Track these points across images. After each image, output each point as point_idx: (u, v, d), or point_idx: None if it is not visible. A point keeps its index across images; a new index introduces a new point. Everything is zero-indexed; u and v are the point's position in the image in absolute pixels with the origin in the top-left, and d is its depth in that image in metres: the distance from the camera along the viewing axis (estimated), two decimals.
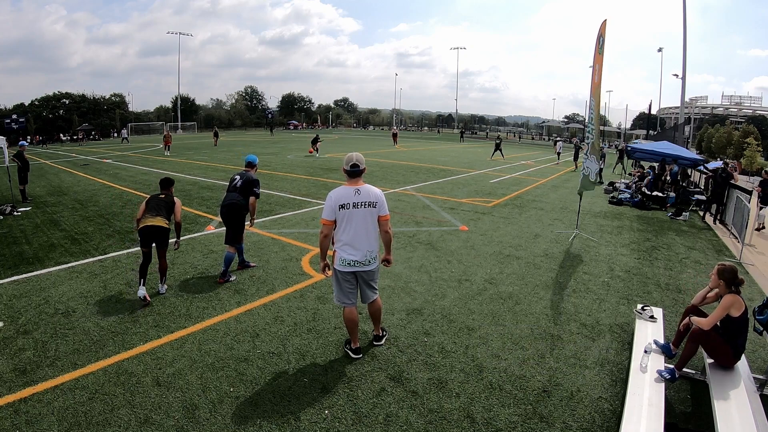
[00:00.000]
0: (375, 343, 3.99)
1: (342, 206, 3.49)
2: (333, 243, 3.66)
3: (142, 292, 4.69)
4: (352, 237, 3.52)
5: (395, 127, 49.44)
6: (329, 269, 3.65)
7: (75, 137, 41.67)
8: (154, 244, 4.92)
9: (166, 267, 5.07)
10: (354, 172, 3.55)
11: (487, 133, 62.98)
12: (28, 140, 22.98)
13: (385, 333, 4.09)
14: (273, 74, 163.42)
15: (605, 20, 7.83)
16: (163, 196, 5.20)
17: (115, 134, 49.29)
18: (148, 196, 5.24)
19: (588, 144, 8.35)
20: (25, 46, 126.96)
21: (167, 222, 5.02)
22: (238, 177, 5.71)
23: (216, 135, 31.66)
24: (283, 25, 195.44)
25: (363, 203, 3.52)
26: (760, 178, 10.85)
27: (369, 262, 3.60)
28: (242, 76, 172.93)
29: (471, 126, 74.86)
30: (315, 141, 23.12)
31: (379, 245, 3.68)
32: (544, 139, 58.53)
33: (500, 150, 24.19)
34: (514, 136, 60.55)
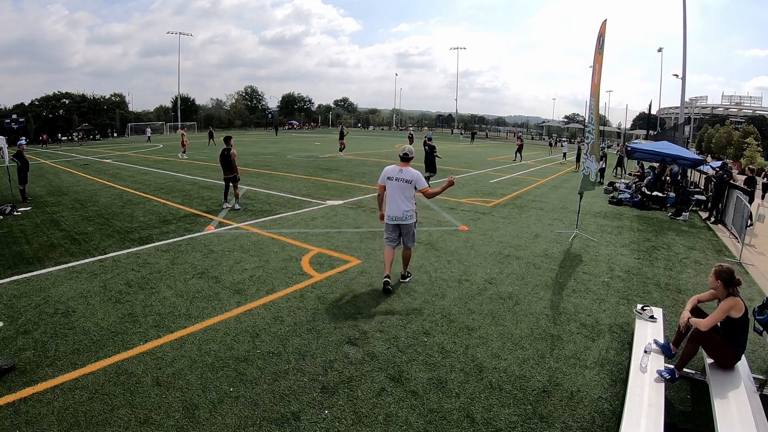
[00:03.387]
0: (401, 280, 5.39)
1: (389, 178, 5.12)
2: (382, 201, 5.31)
3: (225, 205, 9.44)
4: (394, 200, 5.09)
5: (410, 128, 49.79)
6: (383, 219, 5.24)
7: (75, 137, 41.56)
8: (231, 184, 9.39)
9: (238, 195, 9.56)
10: (403, 158, 5.18)
11: (486, 133, 62.95)
12: (26, 139, 22.80)
13: (410, 274, 5.52)
14: (273, 74, 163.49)
15: (605, 20, 7.85)
16: (225, 153, 9.26)
17: (115, 134, 49.30)
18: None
19: (588, 144, 8.36)
20: (26, 46, 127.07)
21: (232, 172, 9.32)
22: (427, 145, 12.69)
23: (211, 135, 31.59)
24: (283, 26, 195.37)
25: (402, 179, 5.08)
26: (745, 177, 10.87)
27: (406, 218, 5.10)
28: (243, 76, 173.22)
29: (471, 126, 74.88)
30: (342, 136, 24.43)
31: (414, 208, 5.15)
32: (543, 139, 58.49)
33: (520, 153, 24.41)
34: (514, 136, 60.42)
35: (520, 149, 24.65)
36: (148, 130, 41.30)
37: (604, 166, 17.66)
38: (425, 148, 12.60)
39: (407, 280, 5.43)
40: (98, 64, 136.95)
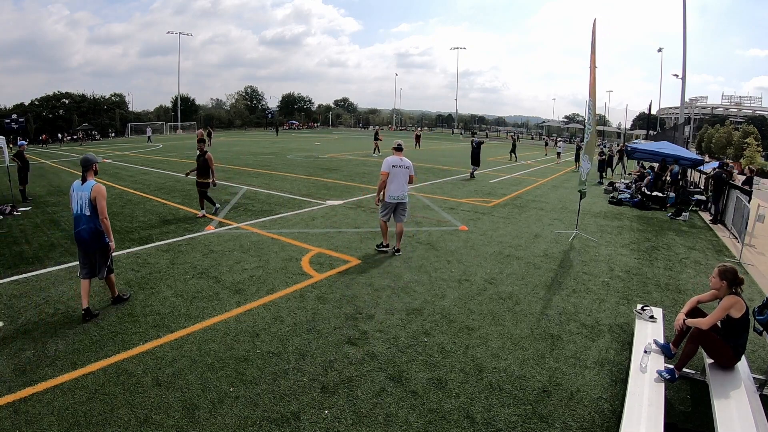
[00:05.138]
0: (396, 253, 6.42)
1: (393, 165, 6.26)
2: (385, 186, 6.31)
3: (216, 206, 8.87)
4: (396, 184, 6.29)
5: (418, 129, 49.88)
6: (380, 201, 6.42)
7: (75, 137, 41.47)
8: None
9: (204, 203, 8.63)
10: (397, 149, 6.43)
11: (486, 133, 63.06)
12: (26, 140, 22.85)
13: (400, 251, 6.49)
14: (274, 74, 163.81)
15: (595, 19, 7.94)
16: (199, 152, 8.54)
17: (113, 134, 49.24)
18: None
19: (584, 143, 8.37)
20: (27, 45, 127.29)
21: (206, 177, 8.57)
22: (475, 142, 16.05)
23: (209, 135, 31.62)
24: (284, 26, 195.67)
25: (403, 166, 6.34)
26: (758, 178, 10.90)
27: (404, 197, 6.38)
28: (243, 76, 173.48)
29: (471, 126, 74.99)
30: (376, 137, 25.73)
31: (408, 189, 6.43)
32: (543, 139, 58.52)
33: (514, 151, 24.45)
34: (513, 135, 60.22)
35: (514, 148, 24.60)
36: (149, 129, 40.85)
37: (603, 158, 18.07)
38: (473, 145, 15.90)
39: (399, 253, 6.44)
40: (99, 64, 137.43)
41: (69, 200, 4.54)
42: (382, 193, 6.34)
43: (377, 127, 39.38)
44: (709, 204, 11.24)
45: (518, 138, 26.51)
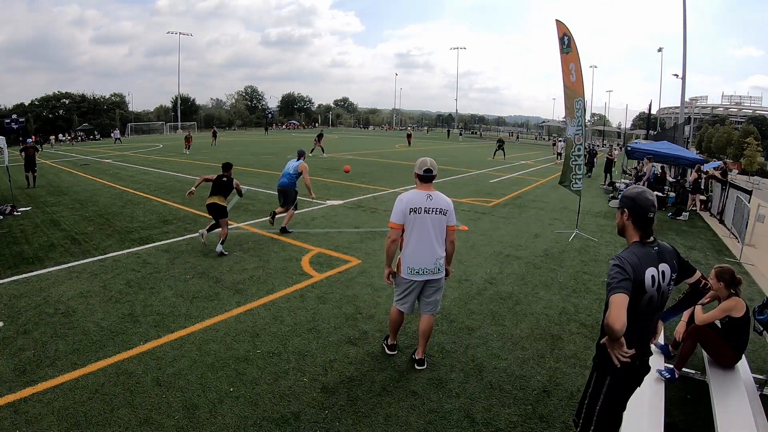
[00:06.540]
0: (417, 367, 3.62)
1: (413, 210, 3.36)
2: (400, 249, 3.48)
3: (202, 230, 6.65)
4: (422, 244, 3.38)
5: (409, 128, 49.75)
6: (394, 277, 3.52)
7: (73, 137, 41.32)
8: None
9: (226, 234, 6.46)
10: (427, 177, 3.43)
11: (480, 133, 63.38)
12: (30, 140, 23.03)
13: (424, 364, 3.65)
14: (277, 74, 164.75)
15: (558, 21, 8.01)
16: (225, 179, 6.57)
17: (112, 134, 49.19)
18: (215, 177, 6.57)
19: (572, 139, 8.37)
20: (32, 45, 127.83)
21: (224, 200, 6.47)
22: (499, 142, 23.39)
23: (214, 135, 32.03)
24: (288, 26, 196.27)
25: (435, 209, 3.38)
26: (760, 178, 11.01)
27: (438, 269, 3.46)
28: (246, 76, 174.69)
29: (471, 126, 75.25)
30: (319, 138, 24.16)
31: (444, 253, 3.51)
32: (543, 139, 58.60)
33: (503, 150, 24.51)
34: (510, 136, 60.32)
35: (501, 147, 24.74)
36: (117, 131, 39.40)
37: (594, 163, 18.88)
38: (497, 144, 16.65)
39: (425, 365, 3.65)
40: (103, 64, 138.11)
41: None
42: (396, 261, 3.52)
43: (409, 126, 38.32)
44: (709, 203, 11.28)
45: (503, 141, 26.67)
